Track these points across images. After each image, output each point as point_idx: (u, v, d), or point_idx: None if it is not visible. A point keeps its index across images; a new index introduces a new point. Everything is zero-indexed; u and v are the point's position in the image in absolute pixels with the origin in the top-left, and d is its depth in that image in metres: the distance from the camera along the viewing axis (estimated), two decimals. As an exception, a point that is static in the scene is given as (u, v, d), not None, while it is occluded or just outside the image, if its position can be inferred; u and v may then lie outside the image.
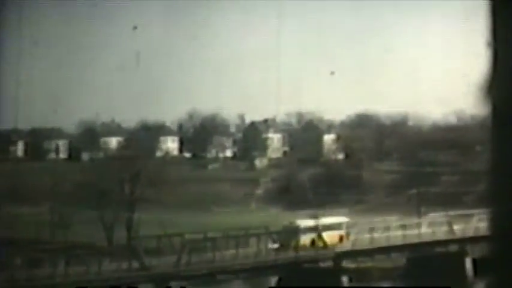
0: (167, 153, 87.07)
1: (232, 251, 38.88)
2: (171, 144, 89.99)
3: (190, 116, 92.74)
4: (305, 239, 41.62)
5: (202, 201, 68.02)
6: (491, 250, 3.29)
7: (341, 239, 43.11)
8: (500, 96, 3.27)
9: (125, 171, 61.69)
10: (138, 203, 58.43)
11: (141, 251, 35.53)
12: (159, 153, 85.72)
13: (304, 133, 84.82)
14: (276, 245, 40.34)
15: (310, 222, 43.56)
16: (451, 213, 50.72)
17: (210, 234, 40.91)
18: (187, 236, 39.93)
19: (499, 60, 3.23)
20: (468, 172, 67.71)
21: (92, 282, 31.88)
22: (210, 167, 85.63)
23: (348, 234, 43.47)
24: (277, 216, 58.32)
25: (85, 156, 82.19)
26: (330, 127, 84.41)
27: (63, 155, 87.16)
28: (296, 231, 41.76)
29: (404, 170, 70.84)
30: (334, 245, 41.96)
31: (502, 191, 3.26)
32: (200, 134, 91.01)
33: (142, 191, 59.78)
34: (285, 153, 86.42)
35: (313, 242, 41.79)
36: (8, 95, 54.61)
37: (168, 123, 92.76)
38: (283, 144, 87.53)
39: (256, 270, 40.17)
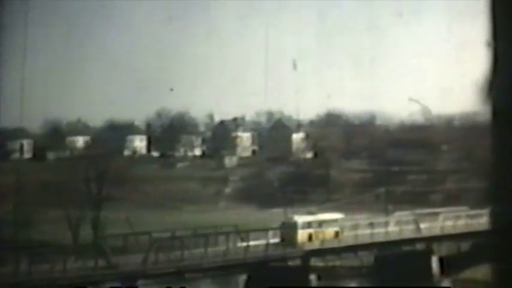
0: (135, 152, 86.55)
1: (200, 250, 38.77)
2: (139, 143, 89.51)
3: (159, 115, 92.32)
4: (303, 234, 42.80)
5: (171, 199, 67.76)
6: (492, 245, 3.25)
7: (336, 234, 44.20)
8: (500, 96, 3.23)
9: (91, 170, 61.08)
10: (105, 202, 57.91)
11: (108, 250, 35.12)
12: (126, 152, 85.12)
13: (274, 132, 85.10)
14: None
15: (308, 218, 44.65)
16: (418, 211, 51.36)
17: (178, 233, 40.73)
18: (154, 235, 39.68)
19: (499, 60, 3.20)
20: (435, 171, 68.76)
21: (57, 280, 31.36)
22: (179, 165, 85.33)
23: (342, 230, 44.76)
24: (246, 215, 58.34)
25: (50, 155, 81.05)
26: (299, 126, 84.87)
27: (27, 154, 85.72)
28: (295, 226, 42.95)
29: (372, 169, 71.56)
30: (330, 240, 43.34)
31: (502, 190, 3.21)
32: (169, 132, 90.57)
33: (109, 190, 59.29)
34: (254, 152, 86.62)
35: (310, 237, 42.99)
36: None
37: (136, 122, 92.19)
38: (253, 143, 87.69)
39: (225, 269, 40.14)
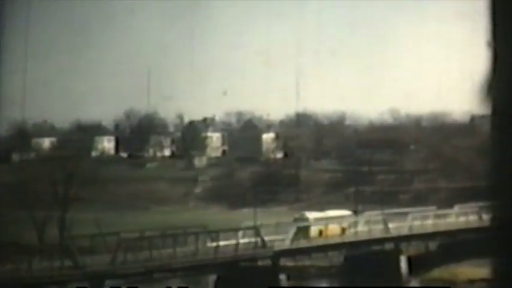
0: (103, 153, 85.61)
1: (169, 250, 38.41)
2: (107, 144, 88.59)
3: (128, 116, 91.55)
4: (314, 230, 45.09)
5: (140, 200, 67.03)
6: (492, 242, 3.19)
7: (343, 230, 46.26)
8: (500, 96, 3.21)
9: (58, 171, 60.16)
10: (72, 203, 57.03)
11: (74, 250, 34.52)
12: (94, 153, 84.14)
13: (244, 132, 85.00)
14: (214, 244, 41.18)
15: (318, 215, 46.92)
16: (387, 211, 51.72)
17: (146, 233, 40.29)
18: (122, 235, 39.19)
19: (499, 60, 3.18)
20: (403, 171, 69.39)
21: (22, 280, 30.65)
22: (148, 166, 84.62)
23: (349, 226, 46.98)
24: (216, 215, 58.04)
25: (15, 157, 79.57)
26: (269, 126, 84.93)
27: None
28: (308, 222, 45.36)
29: (341, 169, 71.89)
30: (338, 236, 45.35)
31: (502, 190, 3.19)
32: (137, 133, 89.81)
33: (77, 191, 58.46)
34: (224, 152, 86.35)
35: (320, 233, 45.21)
36: None
37: (104, 123, 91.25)
38: (223, 143, 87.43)
39: (194, 269, 39.84)
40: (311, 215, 46.74)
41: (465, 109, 73.10)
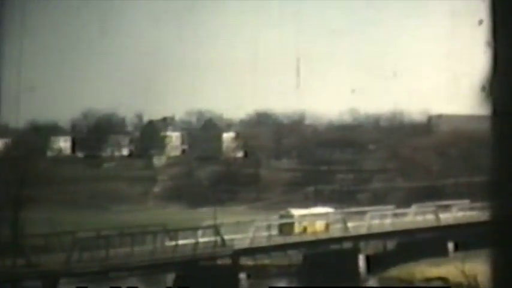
0: (59, 153, 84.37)
1: (127, 249, 37.85)
2: (63, 144, 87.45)
3: (85, 116, 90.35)
4: (299, 226, 46.28)
5: (97, 199, 66.04)
6: (492, 241, 3.16)
7: (327, 226, 47.35)
8: (500, 96, 3.17)
9: (11, 172, 58.91)
10: (27, 203, 55.84)
11: (27, 249, 33.66)
12: (50, 153, 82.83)
13: (204, 131, 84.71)
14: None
15: (303, 212, 48.17)
16: (346, 210, 52.07)
17: (103, 232, 39.65)
18: (78, 234, 38.46)
19: (499, 60, 3.14)
20: (362, 170, 70.13)
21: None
22: (105, 165, 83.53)
23: (331, 223, 48.34)
24: (175, 214, 57.51)
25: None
26: (229, 125, 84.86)
27: None
28: (292, 219, 46.70)
29: (301, 168, 72.24)
30: (321, 232, 46.84)
31: (502, 190, 3.14)
32: (95, 133, 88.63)
33: (32, 190, 57.30)
34: (183, 151, 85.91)
35: (305, 229, 46.50)
36: None
37: (60, 123, 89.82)
38: (182, 143, 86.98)
39: (152, 268, 39.32)
40: (296, 211, 47.95)
41: (422, 108, 74.37)
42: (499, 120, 3.19)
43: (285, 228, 45.92)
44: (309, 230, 46.55)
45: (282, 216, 47.84)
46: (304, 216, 47.41)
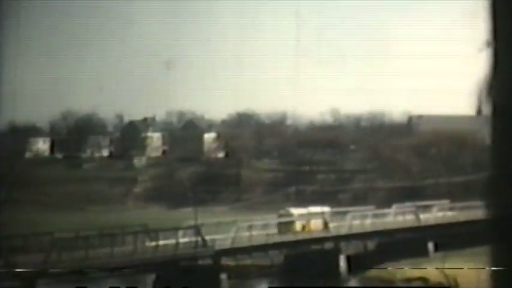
0: (37, 154, 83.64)
1: (106, 249, 37.51)
2: (42, 145, 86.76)
3: (64, 117, 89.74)
4: (298, 224, 47.28)
5: (76, 200, 65.43)
6: (492, 243, 3.16)
7: (325, 225, 48.25)
8: (500, 96, 3.15)
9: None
10: (5, 204, 55.17)
11: (5, 249, 33.17)
12: (28, 155, 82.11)
13: (185, 132, 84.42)
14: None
15: (302, 210, 48.97)
16: (326, 210, 52.04)
17: (82, 233, 39.26)
18: (57, 235, 38.05)
19: (499, 60, 3.13)
20: (343, 171, 70.36)
21: None
22: (85, 166, 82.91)
23: (329, 221, 48.96)
24: (156, 215, 57.17)
25: None
26: (210, 126, 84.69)
27: None
28: (292, 218, 47.79)
29: (282, 169, 72.24)
30: (320, 230, 47.69)
31: (502, 190, 3.16)
32: (74, 134, 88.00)
33: (10, 192, 56.64)
34: (164, 152, 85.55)
35: (303, 227, 47.44)
36: None
37: (39, 124, 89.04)
38: (163, 143, 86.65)
39: (133, 268, 39.00)
40: (296, 210, 48.85)
41: (402, 109, 74.94)
42: (499, 120, 3.12)
43: (284, 227, 46.72)
44: (308, 228, 47.52)
45: (281, 215, 48.68)
46: (302, 215, 48.29)
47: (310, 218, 48.14)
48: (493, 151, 3.26)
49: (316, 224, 47.89)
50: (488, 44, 3.18)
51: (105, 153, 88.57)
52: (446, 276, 43.08)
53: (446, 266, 43.12)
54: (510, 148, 3.19)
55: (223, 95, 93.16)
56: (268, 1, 78.14)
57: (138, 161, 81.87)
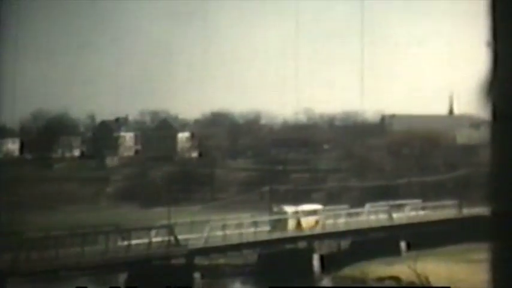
0: (6, 154, 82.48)
1: (77, 249, 36.92)
2: (11, 146, 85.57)
3: (34, 117, 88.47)
4: (292, 222, 47.77)
5: (47, 200, 64.37)
6: (492, 247, 3.11)
7: (317, 222, 48.98)
8: (500, 97, 3.10)
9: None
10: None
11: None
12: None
13: (158, 131, 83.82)
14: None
15: (295, 208, 49.29)
16: (300, 210, 51.96)
17: (53, 233, 38.61)
18: (26, 234, 37.36)
19: (499, 60, 3.08)
20: (317, 170, 70.46)
21: None
22: (56, 166, 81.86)
23: (323, 219, 49.76)
24: (128, 214, 56.50)
25: None
26: (184, 125, 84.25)
27: None
28: (285, 215, 48.15)
29: (257, 168, 72.06)
30: (312, 228, 48.23)
31: (502, 192, 3.09)
32: (45, 134, 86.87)
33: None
34: (137, 151, 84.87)
35: (298, 225, 48.03)
36: None
37: (9, 125, 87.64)
38: (136, 143, 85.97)
39: (104, 267, 38.44)
40: (289, 208, 49.29)
41: (377, 109, 75.36)
42: (499, 120, 3.08)
43: (279, 224, 47.24)
44: (302, 225, 48.05)
45: (275, 213, 49.19)
46: (296, 212, 48.68)
47: (300, 216, 48.63)
48: (492, 157, 3.15)
49: (308, 222, 48.54)
50: (488, 45, 3.11)
51: (76, 153, 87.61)
52: (418, 275, 43.38)
53: (419, 264, 43.43)
54: (510, 148, 3.07)
55: (197, 94, 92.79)
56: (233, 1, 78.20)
57: (110, 161, 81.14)
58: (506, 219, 2.99)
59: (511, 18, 3.06)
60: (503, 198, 2.98)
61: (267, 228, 47.65)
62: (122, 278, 39.89)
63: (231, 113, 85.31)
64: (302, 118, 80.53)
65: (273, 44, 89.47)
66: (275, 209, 50.26)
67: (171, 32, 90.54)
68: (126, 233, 40.47)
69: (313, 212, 49.84)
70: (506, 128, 3.03)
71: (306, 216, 48.71)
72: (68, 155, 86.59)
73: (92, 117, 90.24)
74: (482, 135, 72.36)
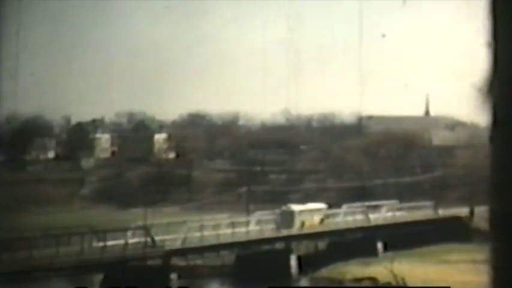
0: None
1: (51, 250, 36.38)
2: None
3: (8, 120, 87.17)
4: (298, 220, 49.19)
5: (20, 202, 63.36)
6: (493, 247, 3.14)
7: (321, 221, 50.59)
8: (500, 97, 3.11)
9: None
10: None
11: None
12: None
13: (135, 133, 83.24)
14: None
15: (301, 207, 50.93)
16: (278, 211, 52.01)
17: (26, 234, 38.00)
18: (-2, 236, 36.68)
19: (499, 60, 3.10)
20: (294, 171, 70.54)
21: None
22: (30, 168, 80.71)
23: (326, 217, 51.45)
24: (104, 215, 55.91)
25: None
26: (161, 127, 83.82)
27: None
28: (293, 213, 49.50)
29: (234, 169, 71.88)
30: (316, 226, 49.91)
31: (502, 192, 3.11)
32: (18, 137, 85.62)
33: None
34: (113, 153, 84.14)
35: (303, 223, 49.48)
36: None
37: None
38: (112, 144, 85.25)
39: (79, 269, 37.92)
40: (296, 207, 50.72)
41: (353, 109, 75.88)
42: (499, 120, 3.07)
43: (285, 222, 48.48)
44: (307, 224, 49.64)
45: (282, 212, 50.17)
46: (302, 211, 50.30)
47: (312, 214, 50.12)
48: (493, 152, 3.02)
49: (314, 220, 49.97)
50: (488, 45, 3.10)
51: (50, 155, 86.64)
52: (394, 275, 43.60)
53: (395, 265, 43.65)
54: (510, 148, 3.03)
55: (174, 95, 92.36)
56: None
57: (86, 162, 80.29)
58: (506, 221, 2.97)
59: (511, 18, 3.03)
60: (503, 196, 2.94)
61: (244, 229, 47.51)
62: (98, 279, 39.42)
63: (208, 114, 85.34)
64: (280, 119, 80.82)
65: (252, 45, 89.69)
66: (283, 208, 51.58)
67: (150, 32, 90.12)
68: (101, 234, 40.01)
69: (319, 211, 51.41)
70: (506, 127, 3.00)
71: (312, 214, 50.31)
72: (42, 156, 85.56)
73: (68, 119, 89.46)
74: (457, 136, 73.26)
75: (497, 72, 3.04)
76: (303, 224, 49.75)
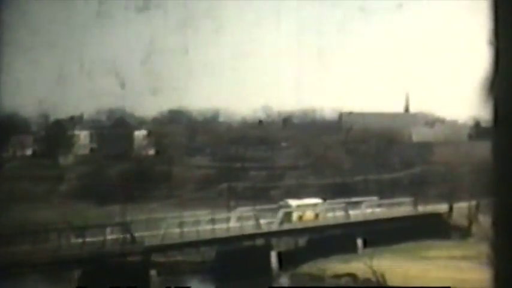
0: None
1: (28, 246, 35.91)
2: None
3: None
4: (296, 215, 50.65)
5: (-3, 199, 62.39)
6: (494, 243, 3.16)
7: (316, 215, 51.63)
8: (501, 95, 3.13)
9: None
10: None
11: None
12: None
13: (115, 130, 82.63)
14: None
15: (298, 202, 52.02)
16: (258, 207, 51.98)
17: (3, 231, 37.48)
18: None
19: (500, 59, 3.11)
20: (275, 167, 70.57)
21: None
22: (7, 166, 79.66)
23: (320, 212, 52.34)
24: (83, 212, 55.35)
25: None
26: (141, 123, 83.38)
27: None
28: (290, 208, 50.91)
29: (215, 165, 71.73)
30: (312, 220, 51.10)
31: (502, 192, 3.11)
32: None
33: None
34: (92, 149, 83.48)
35: (300, 217, 50.77)
36: None
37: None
38: (91, 141, 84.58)
39: (56, 265, 37.47)
40: (294, 202, 51.89)
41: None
42: (499, 120, 3.06)
43: (285, 217, 49.91)
44: (303, 218, 50.85)
45: (281, 206, 51.28)
46: (300, 206, 51.46)
47: (308, 209, 51.16)
48: (494, 152, 3.03)
49: (309, 215, 51.04)
50: (490, 44, 3.09)
51: (28, 152, 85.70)
52: (374, 272, 43.74)
53: (375, 261, 43.81)
54: (510, 148, 3.03)
55: (154, 92, 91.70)
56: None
57: (64, 160, 79.58)
58: (508, 218, 2.95)
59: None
60: (504, 196, 2.93)
61: (224, 225, 47.33)
62: (76, 275, 39.00)
63: (189, 111, 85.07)
64: (260, 116, 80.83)
65: (235, 42, 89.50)
66: (281, 203, 52.61)
67: (133, 28, 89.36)
68: (79, 230, 39.63)
69: (314, 206, 52.21)
70: (508, 126, 2.97)
71: (308, 209, 51.24)
72: (19, 154, 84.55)
73: (45, 117, 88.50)
74: (436, 133, 73.91)
75: (499, 70, 3.04)
76: (300, 218, 50.94)
